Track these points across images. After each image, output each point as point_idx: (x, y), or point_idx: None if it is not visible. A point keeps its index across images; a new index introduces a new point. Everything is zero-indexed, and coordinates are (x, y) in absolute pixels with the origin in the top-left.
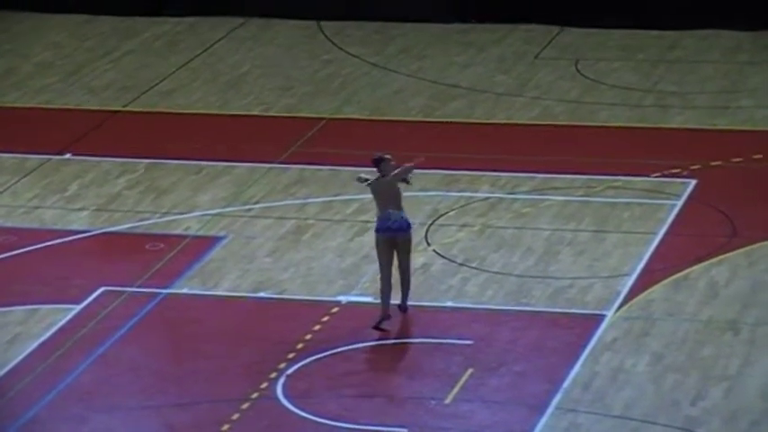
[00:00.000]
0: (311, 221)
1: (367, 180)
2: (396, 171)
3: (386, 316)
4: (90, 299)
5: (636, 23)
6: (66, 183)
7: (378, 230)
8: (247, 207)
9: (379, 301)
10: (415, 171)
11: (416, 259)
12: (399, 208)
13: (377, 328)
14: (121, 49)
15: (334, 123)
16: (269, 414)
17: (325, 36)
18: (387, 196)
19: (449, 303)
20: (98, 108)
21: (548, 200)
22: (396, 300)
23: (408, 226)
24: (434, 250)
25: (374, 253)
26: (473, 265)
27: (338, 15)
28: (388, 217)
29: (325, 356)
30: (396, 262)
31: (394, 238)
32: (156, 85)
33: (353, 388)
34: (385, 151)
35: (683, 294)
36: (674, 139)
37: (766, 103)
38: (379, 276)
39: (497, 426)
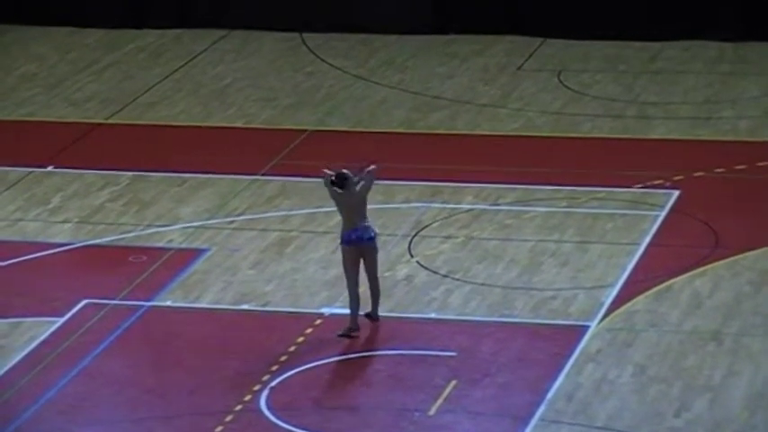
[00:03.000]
0: (294, 233)
1: (332, 177)
2: (362, 183)
3: (355, 327)
4: (73, 312)
5: (618, 35)
6: (49, 195)
7: (345, 242)
8: (230, 219)
9: (362, 313)
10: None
11: (400, 271)
12: (365, 218)
13: (344, 336)
14: (104, 61)
15: (316, 135)
16: (252, 426)
17: (308, 48)
18: (353, 208)
19: (432, 315)
20: (81, 120)
21: (531, 211)
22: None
23: (374, 235)
24: (418, 262)
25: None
26: (456, 276)
27: (321, 27)
28: (355, 228)
29: (308, 368)
30: (362, 273)
31: (360, 249)
32: (139, 97)
33: (337, 400)
34: (347, 166)
35: (666, 305)
36: (656, 149)
37: (748, 113)
38: (364, 287)
39: None
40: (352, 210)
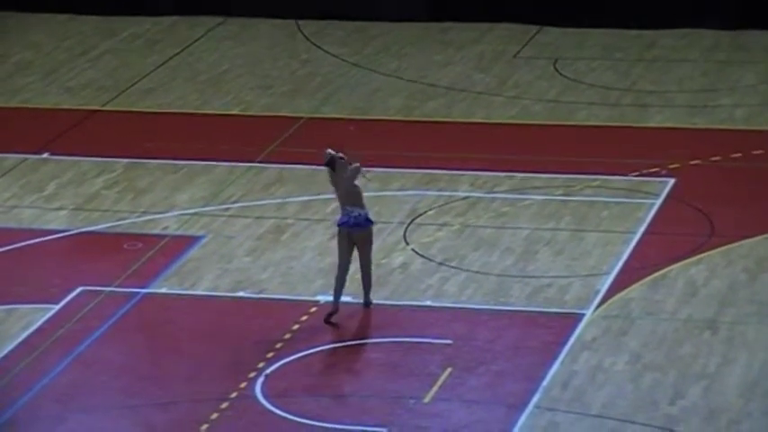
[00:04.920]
0: (290, 221)
1: (336, 156)
2: (348, 173)
3: (335, 310)
4: (68, 299)
5: (614, 22)
6: (44, 182)
7: (338, 224)
8: (226, 206)
9: (359, 301)
10: (369, 169)
11: (395, 258)
12: (361, 205)
13: (328, 321)
14: (100, 48)
15: (313, 122)
16: (248, 413)
17: (304, 35)
18: (344, 193)
19: (428, 303)
20: (77, 107)
21: (527, 199)
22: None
23: (367, 222)
24: (413, 249)
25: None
26: (452, 264)
27: (317, 15)
28: (349, 213)
29: (304, 356)
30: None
31: (350, 234)
32: (135, 84)
33: (332, 387)
34: (342, 150)
35: (661, 293)
36: (652, 138)
37: (745, 101)
38: (358, 275)
39: (476, 425)
40: (344, 194)
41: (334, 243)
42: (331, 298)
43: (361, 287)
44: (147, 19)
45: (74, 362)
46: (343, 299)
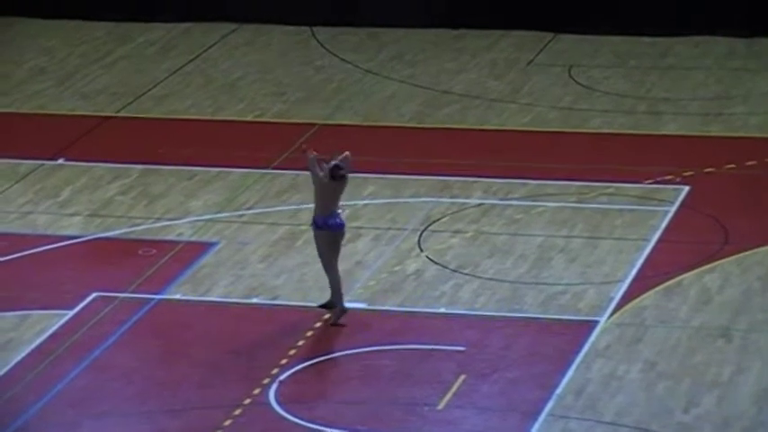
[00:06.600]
0: (304, 227)
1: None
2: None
3: (343, 310)
4: (82, 304)
5: (629, 30)
6: (59, 188)
7: (336, 227)
8: (240, 213)
9: (375, 307)
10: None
11: (409, 265)
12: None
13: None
14: (115, 54)
15: (326, 129)
16: (261, 420)
17: (318, 42)
18: (339, 195)
19: (441, 309)
20: (91, 113)
21: (540, 206)
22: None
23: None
24: (427, 256)
25: (367, 259)
26: (466, 271)
27: (331, 21)
28: (337, 215)
29: (317, 362)
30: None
31: (338, 235)
32: (150, 90)
33: (346, 394)
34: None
35: (675, 301)
36: (666, 145)
37: (759, 109)
38: (372, 281)
39: None
40: (338, 197)
41: (348, 250)
42: (347, 305)
43: (333, 291)
44: (161, 25)
45: (88, 368)
46: (356, 305)
